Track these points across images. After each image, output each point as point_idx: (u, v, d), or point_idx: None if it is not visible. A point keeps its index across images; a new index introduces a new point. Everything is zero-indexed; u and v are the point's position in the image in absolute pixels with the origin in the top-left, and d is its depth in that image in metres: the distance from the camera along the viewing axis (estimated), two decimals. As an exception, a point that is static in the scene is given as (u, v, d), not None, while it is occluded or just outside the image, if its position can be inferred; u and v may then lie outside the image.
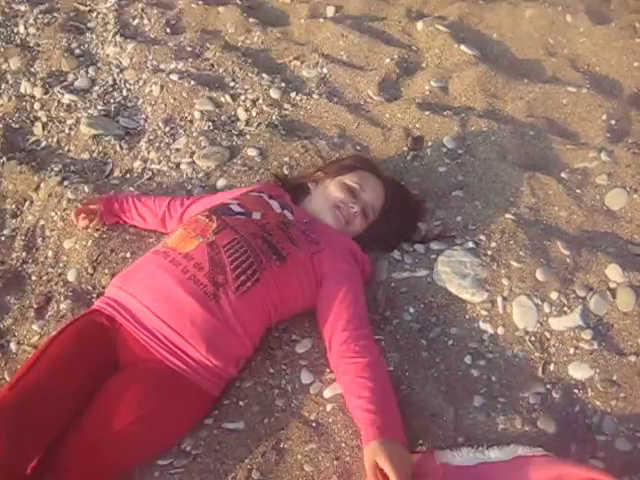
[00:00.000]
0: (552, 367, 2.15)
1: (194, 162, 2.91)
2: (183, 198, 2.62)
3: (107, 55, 3.58)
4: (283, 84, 3.30)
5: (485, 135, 2.93)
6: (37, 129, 3.25)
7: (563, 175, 2.76)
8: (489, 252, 2.42)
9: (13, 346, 2.40)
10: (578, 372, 2.12)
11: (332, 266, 2.24)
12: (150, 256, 2.20)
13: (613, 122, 3.03)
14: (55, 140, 3.18)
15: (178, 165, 2.91)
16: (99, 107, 3.27)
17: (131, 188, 2.87)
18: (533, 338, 2.22)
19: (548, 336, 2.22)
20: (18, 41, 3.76)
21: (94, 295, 2.47)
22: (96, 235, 2.63)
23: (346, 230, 2.41)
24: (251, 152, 2.92)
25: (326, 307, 2.16)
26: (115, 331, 2.06)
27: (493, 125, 2.97)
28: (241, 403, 2.09)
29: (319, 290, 2.22)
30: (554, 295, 2.28)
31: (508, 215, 2.55)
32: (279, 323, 2.26)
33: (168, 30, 3.80)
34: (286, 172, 2.82)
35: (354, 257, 2.34)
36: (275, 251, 2.16)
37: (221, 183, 2.82)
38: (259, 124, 3.09)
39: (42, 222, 2.79)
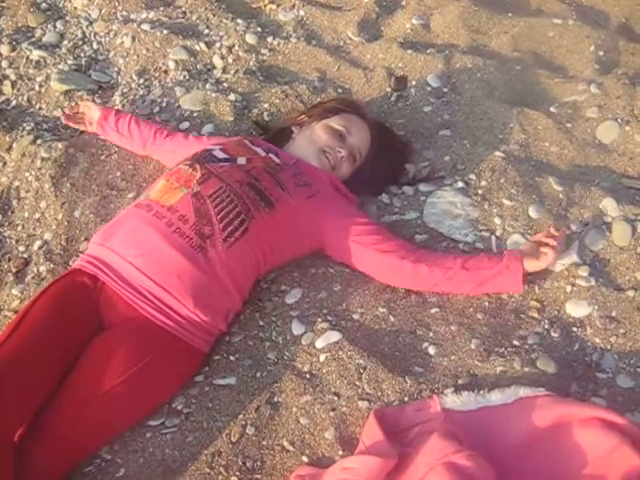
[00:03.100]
0: (549, 306, 2.11)
1: (169, 112, 2.81)
2: (170, 131, 2.59)
3: (75, 8, 3.44)
4: (259, 29, 3.18)
5: (470, 72, 2.86)
6: (6, 88, 3.13)
7: (552, 109, 2.72)
8: (480, 191, 2.37)
9: (-7, 312, 2.32)
10: (576, 310, 2.09)
11: (332, 206, 2.19)
12: (132, 210, 2.12)
13: (601, 53, 2.98)
14: (25, 98, 3.07)
15: (154, 117, 2.80)
16: (69, 62, 3.14)
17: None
18: (529, 277, 2.17)
19: (544, 274, 2.17)
20: (-19, -2, 3.60)
21: (75, 255, 2.39)
22: (74, 193, 2.55)
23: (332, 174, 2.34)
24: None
25: (357, 240, 2.13)
26: (98, 290, 2.00)
27: (478, 61, 2.91)
28: (232, 358, 2.05)
29: (325, 230, 2.17)
30: (549, 232, 2.23)
31: (497, 153, 2.50)
32: (268, 274, 2.21)
33: (136, -22, 3.64)
34: (267, 119, 2.73)
35: (338, 191, 2.30)
36: (263, 197, 2.08)
37: (194, 134, 2.70)
38: (236, 71, 2.99)
39: (16, 183, 2.69)
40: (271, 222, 2.08)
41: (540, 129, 2.61)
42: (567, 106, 2.71)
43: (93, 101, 2.93)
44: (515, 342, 1.99)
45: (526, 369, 1.90)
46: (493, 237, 2.24)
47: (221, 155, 2.20)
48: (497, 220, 2.28)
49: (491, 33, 3.14)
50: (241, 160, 2.19)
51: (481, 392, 1.80)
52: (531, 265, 2.07)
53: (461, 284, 2.08)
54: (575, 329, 2.05)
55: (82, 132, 2.85)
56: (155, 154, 2.60)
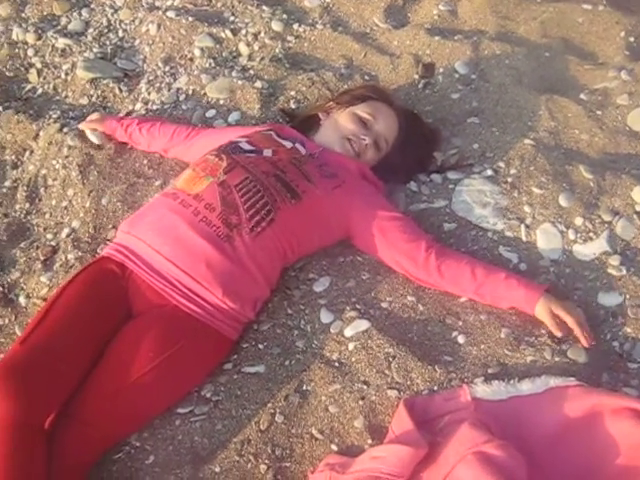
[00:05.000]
0: (580, 295, 2.09)
1: (196, 100, 2.80)
2: (189, 131, 2.53)
3: (100, -5, 3.44)
4: (285, 16, 3.16)
5: (499, 59, 2.83)
6: (32, 76, 3.14)
7: (582, 96, 2.68)
8: (509, 179, 2.35)
9: (22, 300, 2.33)
10: (607, 299, 2.07)
11: (358, 195, 2.17)
12: (159, 199, 2.13)
13: (632, 39, 2.94)
14: (52, 86, 3.07)
15: (180, 104, 2.80)
16: (95, 50, 3.14)
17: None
18: (559, 266, 2.15)
19: (574, 263, 2.15)
20: (6, -14, 3.60)
21: (102, 243, 2.40)
22: (101, 181, 2.56)
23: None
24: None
25: (383, 230, 2.13)
26: (126, 278, 2.00)
27: (507, 48, 2.87)
28: (260, 346, 2.05)
29: (351, 221, 2.17)
30: (579, 221, 2.21)
31: (527, 140, 2.47)
32: (296, 262, 2.20)
33: (161, -34, 3.64)
34: (293, 107, 2.72)
35: (366, 179, 2.29)
36: (289, 189, 2.08)
37: (220, 121, 2.72)
38: (262, 58, 2.97)
39: (44, 171, 2.70)
40: (297, 213, 2.07)
41: (570, 116, 2.58)
42: (597, 93, 2.68)
43: (119, 89, 2.94)
44: (545, 331, 1.97)
45: (557, 359, 1.88)
46: (522, 226, 2.22)
47: (247, 147, 2.19)
48: (527, 208, 2.26)
49: (519, 19, 3.10)
50: (267, 152, 2.18)
51: (511, 382, 1.79)
52: (546, 306, 1.95)
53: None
54: (606, 318, 2.03)
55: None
56: (185, 158, 2.54)
